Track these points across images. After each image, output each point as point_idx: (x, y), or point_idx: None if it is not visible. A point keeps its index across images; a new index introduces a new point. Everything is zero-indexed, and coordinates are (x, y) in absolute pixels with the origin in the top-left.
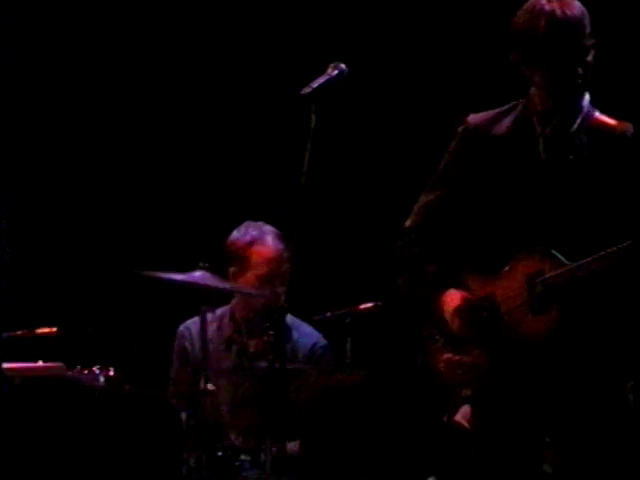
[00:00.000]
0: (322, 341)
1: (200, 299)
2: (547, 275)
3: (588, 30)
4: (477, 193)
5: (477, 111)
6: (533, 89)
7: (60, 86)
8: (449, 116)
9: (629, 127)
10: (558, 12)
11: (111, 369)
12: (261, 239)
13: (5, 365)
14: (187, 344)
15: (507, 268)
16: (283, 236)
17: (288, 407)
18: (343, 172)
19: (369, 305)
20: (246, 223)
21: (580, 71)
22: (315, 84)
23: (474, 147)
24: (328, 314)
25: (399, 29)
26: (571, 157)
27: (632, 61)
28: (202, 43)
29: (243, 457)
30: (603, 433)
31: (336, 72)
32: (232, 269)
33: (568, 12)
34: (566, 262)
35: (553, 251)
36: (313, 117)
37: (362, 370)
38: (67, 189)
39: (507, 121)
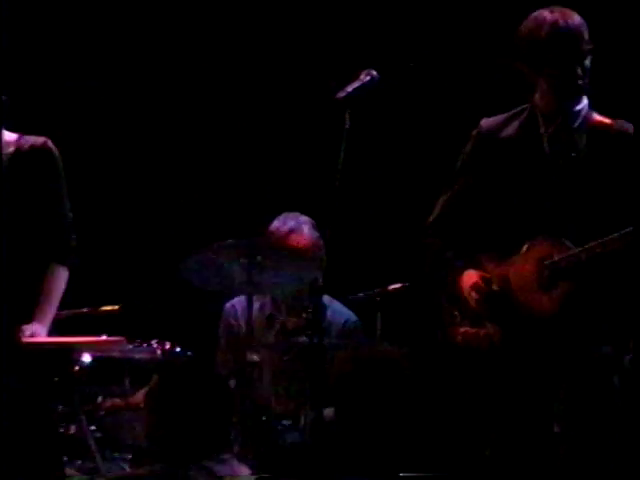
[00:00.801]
0: (353, 318)
1: None
2: (555, 258)
3: (586, 37)
4: (490, 187)
5: (488, 115)
6: (537, 95)
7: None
8: (464, 120)
9: (625, 124)
10: (560, 21)
11: (167, 343)
12: (298, 229)
13: (72, 338)
14: (232, 320)
15: (520, 252)
16: (317, 225)
17: (324, 378)
18: (373, 168)
19: (397, 286)
20: (284, 214)
21: (580, 73)
22: (349, 89)
23: (487, 147)
24: (360, 294)
25: (420, 39)
26: (573, 154)
27: (627, 65)
28: (246, 45)
29: (284, 422)
30: (602, 395)
31: (368, 78)
32: None
33: (569, 20)
34: (573, 247)
35: (563, 239)
36: (347, 118)
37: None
38: (129, 179)
39: (515, 124)
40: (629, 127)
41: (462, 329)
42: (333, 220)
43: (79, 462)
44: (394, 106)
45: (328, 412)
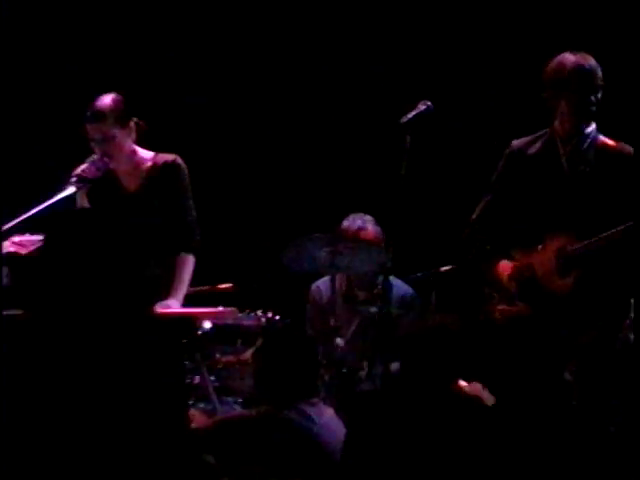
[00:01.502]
0: (411, 292)
1: None
2: (569, 250)
3: (599, 75)
4: (518, 194)
5: (518, 137)
6: (557, 121)
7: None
8: (500, 140)
9: (625, 146)
10: (581, 60)
11: (269, 312)
12: (364, 226)
13: (197, 309)
14: (317, 297)
15: (541, 246)
16: (382, 222)
17: (390, 338)
18: (430, 177)
19: (447, 268)
20: (352, 215)
21: (593, 101)
22: (410, 115)
23: (516, 162)
24: (419, 274)
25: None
26: (582, 168)
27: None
28: (333, 72)
29: (361, 373)
30: (606, 353)
31: (424, 107)
32: None
33: (588, 61)
34: (582, 241)
35: (574, 234)
36: (408, 138)
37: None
38: (244, 186)
39: (538, 144)
40: (629, 148)
41: (500, 307)
42: (398, 216)
43: (201, 405)
44: (445, 128)
45: (394, 366)
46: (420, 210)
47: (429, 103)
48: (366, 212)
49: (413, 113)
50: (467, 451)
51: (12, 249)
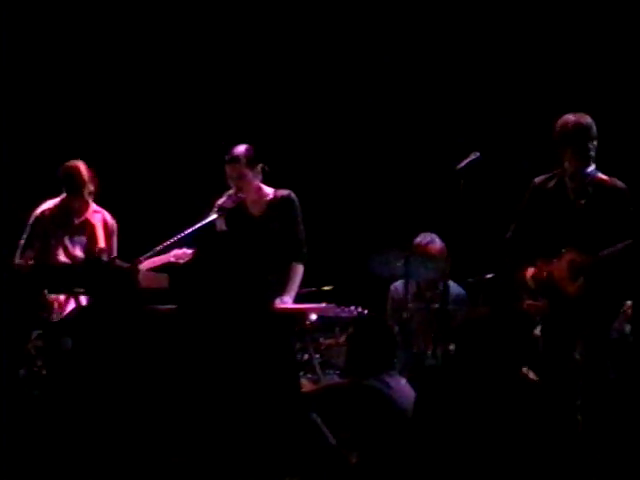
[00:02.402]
0: (464, 293)
1: None
2: (578, 261)
3: (594, 129)
4: (539, 218)
5: (540, 174)
6: (566, 163)
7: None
8: (528, 178)
9: (617, 181)
10: (579, 119)
11: (359, 307)
12: (432, 242)
13: (306, 305)
14: (395, 295)
15: (557, 257)
16: (442, 239)
17: (449, 326)
18: (477, 208)
19: (490, 275)
20: (422, 234)
21: (590, 149)
22: (463, 163)
23: (537, 194)
24: (470, 279)
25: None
26: (585, 199)
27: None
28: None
29: (428, 353)
30: (604, 338)
31: (474, 157)
32: None
33: (584, 120)
34: (587, 255)
35: (581, 250)
36: (462, 181)
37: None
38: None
39: (554, 181)
40: (620, 183)
41: (527, 302)
42: (456, 236)
43: (309, 375)
44: (488, 172)
45: (451, 347)
46: (471, 232)
47: (478, 153)
48: (433, 232)
49: (466, 161)
50: (504, 415)
51: (172, 260)
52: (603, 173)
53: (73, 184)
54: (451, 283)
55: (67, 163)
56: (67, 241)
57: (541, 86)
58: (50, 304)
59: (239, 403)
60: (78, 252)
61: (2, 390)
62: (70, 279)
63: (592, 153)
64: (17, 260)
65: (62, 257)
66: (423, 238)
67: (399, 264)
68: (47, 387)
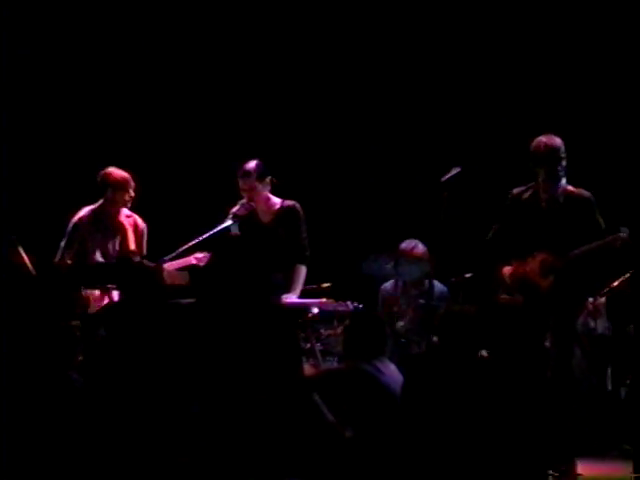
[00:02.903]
0: (446, 290)
1: None
2: (549, 261)
3: (563, 149)
4: (516, 224)
5: (518, 186)
6: (539, 178)
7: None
8: (506, 189)
9: (584, 191)
10: (549, 141)
11: (355, 302)
12: (417, 247)
13: (307, 300)
14: (385, 293)
15: (531, 257)
16: (426, 244)
17: (432, 319)
18: (459, 216)
19: (469, 275)
20: (408, 240)
21: (559, 169)
22: (446, 177)
23: (514, 204)
24: (452, 279)
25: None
26: (555, 208)
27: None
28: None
29: (413, 343)
30: (570, 329)
31: (456, 171)
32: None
33: (554, 142)
34: (556, 256)
35: (552, 251)
36: (445, 192)
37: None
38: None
39: (529, 192)
40: (586, 192)
41: (504, 297)
42: (439, 240)
43: (311, 361)
44: (469, 185)
45: (435, 339)
46: (453, 237)
47: (459, 168)
48: (417, 237)
49: (449, 175)
50: (480, 395)
51: (194, 262)
52: (571, 184)
53: (108, 192)
54: (435, 282)
55: (104, 171)
56: (102, 243)
57: (517, 106)
58: (87, 299)
59: (249, 385)
60: (111, 253)
61: (3, 389)
62: (104, 276)
63: (561, 172)
64: (57, 260)
65: (98, 257)
66: (408, 244)
67: (389, 266)
68: (84, 372)
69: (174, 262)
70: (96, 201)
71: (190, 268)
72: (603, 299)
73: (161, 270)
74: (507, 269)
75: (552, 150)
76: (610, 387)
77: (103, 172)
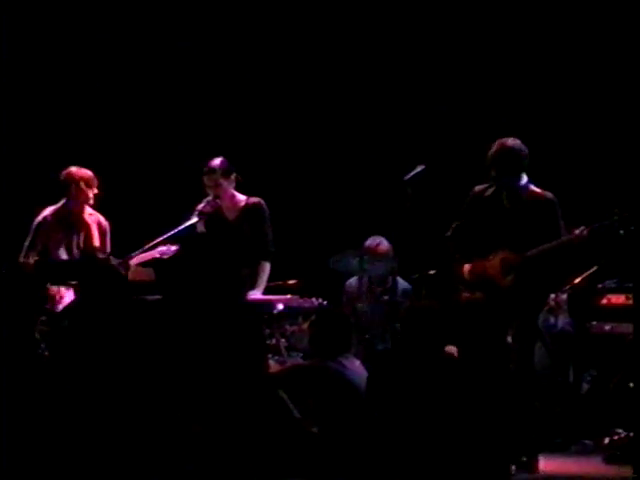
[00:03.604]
0: (410, 287)
1: None
2: (510, 259)
3: (524, 150)
4: (477, 222)
5: (480, 183)
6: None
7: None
8: (469, 187)
9: (546, 192)
10: (506, 142)
11: (320, 299)
12: (381, 243)
13: (273, 297)
14: (350, 289)
15: (492, 255)
16: (390, 241)
17: (396, 314)
18: (422, 213)
19: (433, 271)
20: (372, 237)
21: (512, 170)
22: (410, 174)
23: (476, 201)
24: (414, 275)
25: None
26: (517, 207)
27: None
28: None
29: (376, 338)
30: (531, 326)
31: (420, 169)
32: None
33: (510, 143)
34: (517, 254)
35: (512, 249)
36: (409, 190)
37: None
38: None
39: (491, 189)
40: (548, 194)
41: (464, 294)
42: (402, 237)
43: (276, 357)
44: (433, 182)
45: (398, 332)
46: (416, 234)
47: (423, 166)
48: (381, 234)
49: (413, 173)
50: (443, 390)
51: (157, 256)
52: (537, 186)
53: (72, 190)
54: (399, 279)
55: (67, 170)
56: (66, 241)
57: (482, 106)
58: (52, 296)
59: (214, 380)
60: (75, 250)
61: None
62: (69, 273)
63: (516, 173)
64: (21, 259)
65: (62, 255)
66: (373, 240)
67: (353, 262)
68: (50, 367)
69: (138, 257)
70: (58, 201)
71: (154, 262)
72: (564, 296)
73: (127, 266)
74: (467, 266)
75: (507, 150)
76: (572, 382)
77: (66, 171)
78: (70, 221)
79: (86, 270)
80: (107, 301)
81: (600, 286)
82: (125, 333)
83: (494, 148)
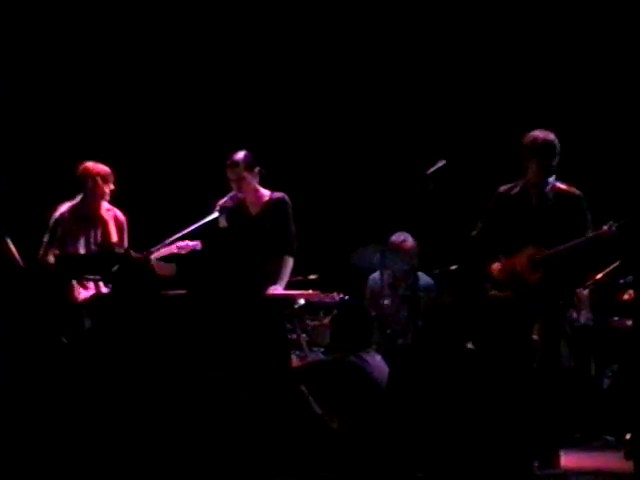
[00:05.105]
0: (432, 282)
1: None
2: (536, 256)
3: (558, 145)
4: (503, 220)
5: (502, 177)
6: (529, 173)
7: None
8: (491, 182)
9: (574, 189)
10: (547, 136)
11: (341, 294)
12: (406, 239)
13: (294, 292)
14: (372, 285)
15: (519, 253)
16: (414, 236)
17: (418, 310)
18: (445, 208)
19: (454, 267)
20: (397, 233)
21: (553, 164)
22: (432, 169)
23: (502, 200)
24: (436, 271)
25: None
26: (545, 204)
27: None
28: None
29: (398, 332)
30: (558, 323)
31: (441, 164)
32: None
33: (550, 136)
34: (545, 250)
35: (540, 246)
36: (431, 185)
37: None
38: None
39: (517, 188)
40: (576, 190)
41: (492, 293)
42: (425, 233)
43: (297, 352)
44: (455, 177)
45: (419, 327)
46: (439, 229)
47: (444, 161)
48: (403, 229)
49: (434, 167)
50: (464, 385)
51: (175, 251)
52: (563, 181)
53: (88, 186)
54: (421, 274)
55: (84, 165)
56: (84, 236)
57: (504, 102)
58: (73, 289)
59: (237, 375)
60: (93, 246)
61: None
62: (89, 268)
63: (553, 167)
64: (41, 255)
65: (80, 250)
66: (398, 237)
67: (376, 258)
68: (69, 360)
69: (157, 252)
70: (75, 196)
71: (172, 257)
72: (586, 291)
73: (148, 261)
74: (496, 265)
75: (548, 145)
76: (593, 377)
77: (83, 166)
78: (87, 217)
79: (105, 264)
80: (130, 296)
81: (622, 281)
82: (149, 328)
83: (537, 140)
